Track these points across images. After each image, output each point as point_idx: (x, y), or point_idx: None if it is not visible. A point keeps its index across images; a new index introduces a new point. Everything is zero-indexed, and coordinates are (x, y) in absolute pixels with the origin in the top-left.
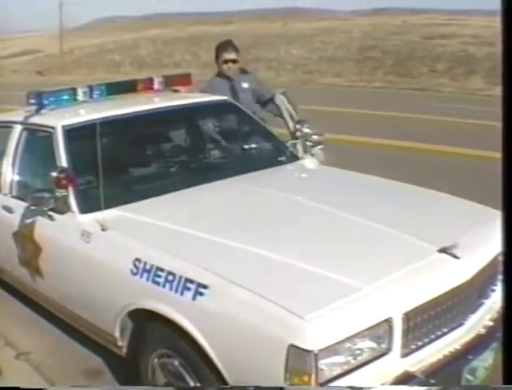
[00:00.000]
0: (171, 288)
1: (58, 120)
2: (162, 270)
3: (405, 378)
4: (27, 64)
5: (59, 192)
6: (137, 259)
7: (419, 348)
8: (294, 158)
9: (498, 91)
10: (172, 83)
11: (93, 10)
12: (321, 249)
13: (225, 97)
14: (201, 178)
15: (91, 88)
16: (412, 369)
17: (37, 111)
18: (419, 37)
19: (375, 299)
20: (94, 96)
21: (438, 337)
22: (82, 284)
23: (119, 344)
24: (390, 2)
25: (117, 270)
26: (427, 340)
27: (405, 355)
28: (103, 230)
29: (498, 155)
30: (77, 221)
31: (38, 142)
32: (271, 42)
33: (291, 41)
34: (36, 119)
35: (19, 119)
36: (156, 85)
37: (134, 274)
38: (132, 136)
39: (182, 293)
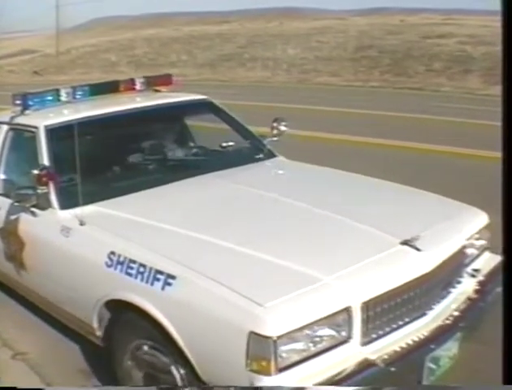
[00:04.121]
0: (142, 279)
1: (41, 120)
2: (134, 262)
3: (365, 365)
4: (23, 64)
5: (41, 189)
6: (112, 252)
7: (380, 337)
8: (271, 155)
9: (495, 90)
10: (153, 83)
11: (90, 10)
12: (288, 242)
13: (204, 97)
14: (179, 175)
15: (74, 89)
16: (372, 357)
17: (22, 112)
18: (416, 37)
19: (333, 289)
20: (77, 96)
21: (400, 327)
22: (62, 277)
23: (97, 333)
24: (387, 2)
25: (93, 262)
26: (388, 329)
27: (365, 343)
28: (81, 225)
29: (496, 155)
30: (57, 217)
31: (23, 142)
32: (267, 42)
33: (287, 41)
34: (21, 120)
35: (6, 119)
36: (138, 86)
37: (109, 266)
38: (112, 135)
39: (152, 284)
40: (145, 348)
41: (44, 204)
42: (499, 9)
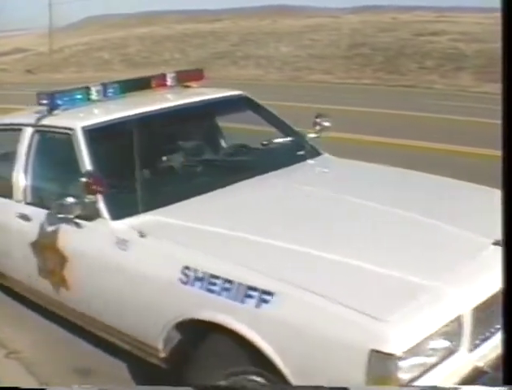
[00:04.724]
0: (229, 297)
1: (77, 121)
2: (216, 277)
3: (477, 373)
4: (16, 63)
5: (88, 198)
6: (187, 267)
7: (483, 342)
8: (316, 152)
9: (488, 88)
10: (184, 79)
11: (83, 8)
12: (376, 247)
13: (240, 92)
14: (230, 177)
15: (105, 86)
16: (480, 364)
17: (50, 112)
18: (409, 34)
19: (447, 296)
20: (108, 94)
21: (498, 329)
22: (117, 295)
23: (160, 355)
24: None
25: (162, 279)
26: (488, 333)
27: (471, 350)
28: (142, 236)
29: (490, 152)
30: (109, 228)
31: (53, 145)
32: (259, 40)
33: (280, 39)
34: (49, 121)
35: (29, 120)
36: (169, 81)
37: (184, 283)
38: (152, 135)
39: (243, 301)
40: (235, 369)
41: (90, 214)
42: (492, 6)
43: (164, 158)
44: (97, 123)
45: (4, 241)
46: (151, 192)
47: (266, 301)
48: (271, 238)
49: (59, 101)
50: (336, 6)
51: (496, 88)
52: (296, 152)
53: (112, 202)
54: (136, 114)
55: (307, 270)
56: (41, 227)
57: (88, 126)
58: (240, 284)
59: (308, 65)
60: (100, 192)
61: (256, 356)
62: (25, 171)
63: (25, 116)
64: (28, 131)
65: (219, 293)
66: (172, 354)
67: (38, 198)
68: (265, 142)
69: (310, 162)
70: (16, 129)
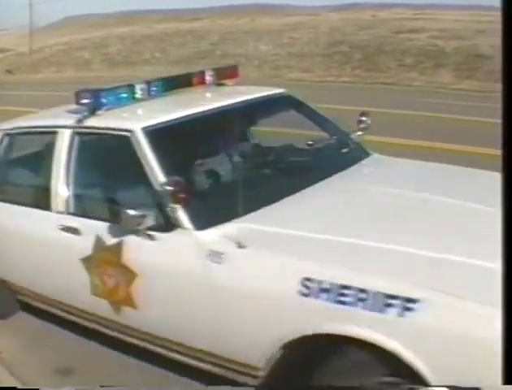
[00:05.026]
0: (365, 307)
1: (135, 122)
2: (348, 287)
3: None
4: None
5: (169, 208)
6: (307, 278)
7: None
8: (365, 152)
9: (467, 84)
10: (222, 76)
11: (62, 8)
12: (469, 240)
13: (282, 89)
14: (302, 181)
15: (148, 84)
16: None
17: (92, 112)
18: (388, 32)
19: None
20: (152, 93)
21: None
22: (207, 312)
23: (258, 373)
24: None
25: (275, 293)
26: None
27: None
28: (240, 247)
29: (470, 149)
30: (195, 239)
31: (103, 148)
32: (238, 38)
33: (259, 37)
34: (94, 122)
35: (66, 122)
36: (208, 79)
37: (305, 295)
38: (210, 136)
39: (382, 311)
40: (368, 379)
41: (165, 224)
42: (471, 3)
43: (228, 161)
44: (158, 124)
45: (37, 257)
46: (233, 198)
47: (410, 309)
48: (377, 241)
49: (104, 100)
50: (315, 5)
51: (474, 85)
52: (351, 153)
53: (193, 211)
54: (194, 114)
55: (433, 272)
56: (98, 241)
57: (148, 127)
58: (376, 293)
59: (287, 63)
60: (186, 201)
61: (390, 362)
62: (66, 179)
63: (58, 117)
64: (67, 133)
65: (352, 304)
66: (273, 371)
67: (88, 208)
68: (309, 142)
69: (366, 161)
70: (48, 132)
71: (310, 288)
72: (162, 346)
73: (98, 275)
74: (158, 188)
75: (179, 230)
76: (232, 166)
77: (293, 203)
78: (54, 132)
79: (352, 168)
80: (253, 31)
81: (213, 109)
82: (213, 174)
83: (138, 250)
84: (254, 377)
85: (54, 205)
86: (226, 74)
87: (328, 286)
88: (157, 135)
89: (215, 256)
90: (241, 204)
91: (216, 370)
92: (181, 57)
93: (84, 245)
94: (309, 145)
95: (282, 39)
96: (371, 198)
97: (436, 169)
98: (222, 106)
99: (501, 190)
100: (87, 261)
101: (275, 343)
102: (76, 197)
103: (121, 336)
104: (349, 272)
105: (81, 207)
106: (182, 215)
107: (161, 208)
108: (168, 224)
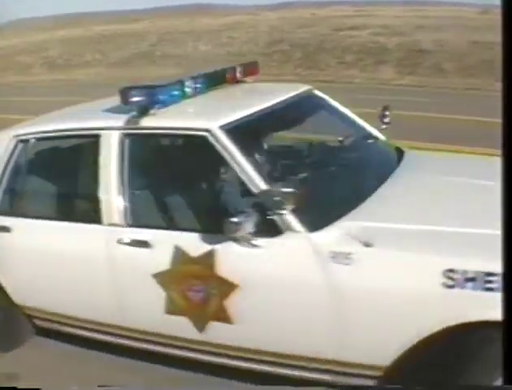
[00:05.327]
0: None
1: (212, 120)
2: (492, 274)
3: None
4: None
5: (273, 211)
6: (450, 270)
7: None
8: (399, 148)
9: (409, 80)
10: (248, 73)
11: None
12: None
13: (309, 86)
14: (377, 177)
15: (194, 80)
16: None
17: (143, 112)
18: (328, 30)
19: None
20: (197, 89)
21: None
22: (327, 317)
23: (377, 374)
24: None
25: (414, 289)
26: None
27: None
28: (367, 246)
29: (415, 144)
30: (312, 242)
31: (169, 151)
32: (178, 39)
33: (198, 38)
34: (151, 122)
35: (111, 123)
36: (238, 75)
37: (449, 287)
38: (277, 132)
39: None
40: None
41: (267, 229)
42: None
43: (314, 157)
44: (234, 122)
45: (81, 276)
46: (333, 196)
47: None
48: (486, 228)
49: (161, 97)
50: (253, 4)
51: (416, 81)
52: (391, 149)
53: (302, 212)
54: (262, 110)
55: None
56: (178, 253)
57: (226, 125)
58: None
59: (228, 63)
60: (303, 203)
61: None
62: (121, 187)
63: (97, 119)
64: (114, 136)
65: (498, 290)
66: (397, 369)
67: (159, 218)
68: (340, 138)
69: (408, 156)
70: (83, 135)
71: (455, 278)
72: (250, 359)
73: (179, 290)
74: (255, 190)
75: (287, 234)
76: (320, 163)
77: (385, 198)
78: (95, 136)
79: (404, 162)
80: (193, 31)
81: (273, 105)
82: (308, 172)
83: (238, 259)
84: (371, 377)
85: (106, 217)
86: (250, 70)
87: (473, 275)
88: (237, 133)
89: (341, 257)
90: (343, 202)
91: (319, 376)
92: (121, 58)
93: (156, 259)
94: (340, 141)
95: (221, 39)
96: (450, 189)
97: (460, 159)
98: (279, 102)
99: (501, 190)
100: (162, 276)
101: (412, 340)
102: (139, 208)
103: (191, 355)
104: (489, 259)
105: (148, 218)
106: (291, 218)
107: (261, 212)
108: (272, 229)
